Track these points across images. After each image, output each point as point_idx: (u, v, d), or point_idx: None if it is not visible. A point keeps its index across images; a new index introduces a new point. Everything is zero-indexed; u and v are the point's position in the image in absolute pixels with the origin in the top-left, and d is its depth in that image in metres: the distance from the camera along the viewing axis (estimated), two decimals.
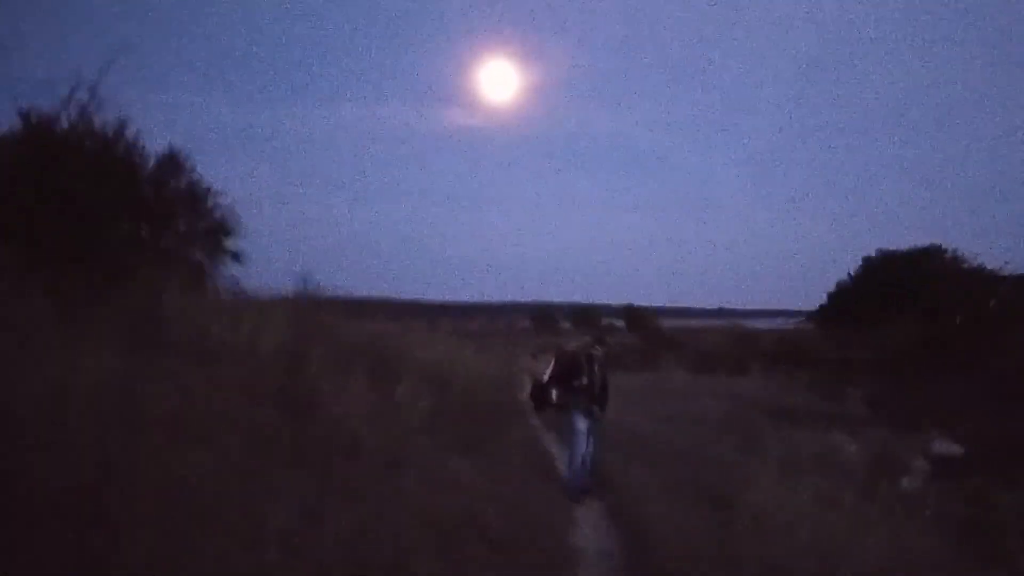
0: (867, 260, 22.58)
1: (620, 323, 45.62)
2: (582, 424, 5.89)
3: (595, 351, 6.17)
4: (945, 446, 10.09)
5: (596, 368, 6.05)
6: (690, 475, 5.73)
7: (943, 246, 20.17)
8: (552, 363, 6.66)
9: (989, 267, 17.73)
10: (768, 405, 12.05)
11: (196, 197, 14.37)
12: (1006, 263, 17.34)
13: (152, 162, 14.20)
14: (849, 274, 23.04)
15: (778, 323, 32.28)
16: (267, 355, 4.34)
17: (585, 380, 5.94)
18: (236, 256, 14.49)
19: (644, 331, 32.65)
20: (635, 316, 42.31)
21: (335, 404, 4.19)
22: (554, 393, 6.37)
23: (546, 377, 6.60)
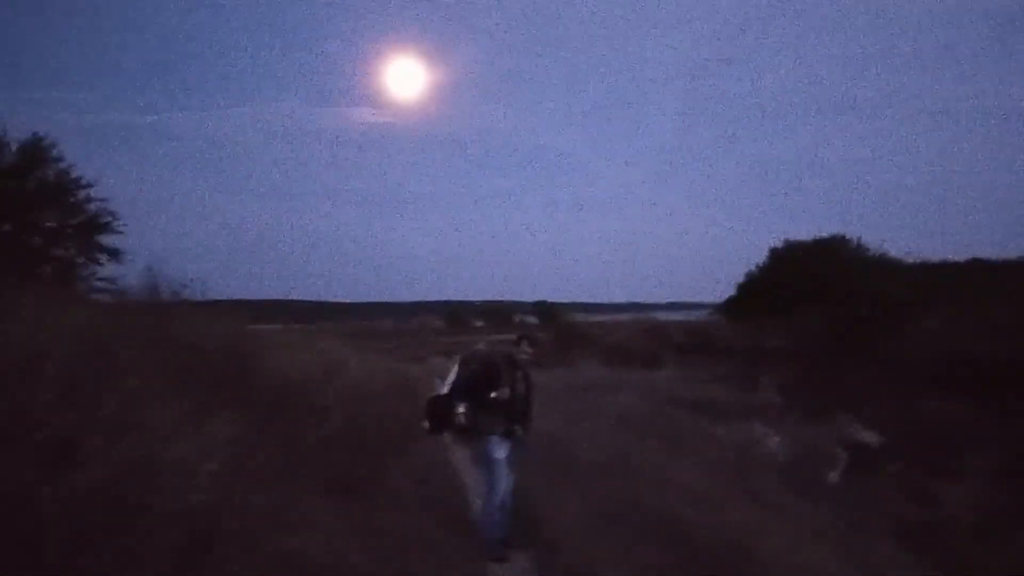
0: (774, 251, 23.00)
1: (532, 319, 45.42)
2: (502, 452, 4.48)
3: (519, 353, 4.79)
4: (861, 434, 9.94)
5: (520, 376, 4.71)
6: (628, 494, 4.84)
7: (847, 236, 20.71)
8: (455, 369, 4.91)
9: (892, 255, 18.25)
10: (685, 398, 11.66)
11: (64, 189, 12.59)
12: (908, 252, 17.90)
13: (13, 151, 12.31)
14: (757, 265, 23.43)
15: (688, 315, 32.73)
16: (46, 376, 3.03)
17: (507, 392, 4.56)
18: (113, 254, 12.78)
19: (557, 327, 32.31)
20: (548, 312, 42.10)
21: (115, 445, 2.79)
22: (461, 411, 4.61)
23: (446, 388, 4.80)
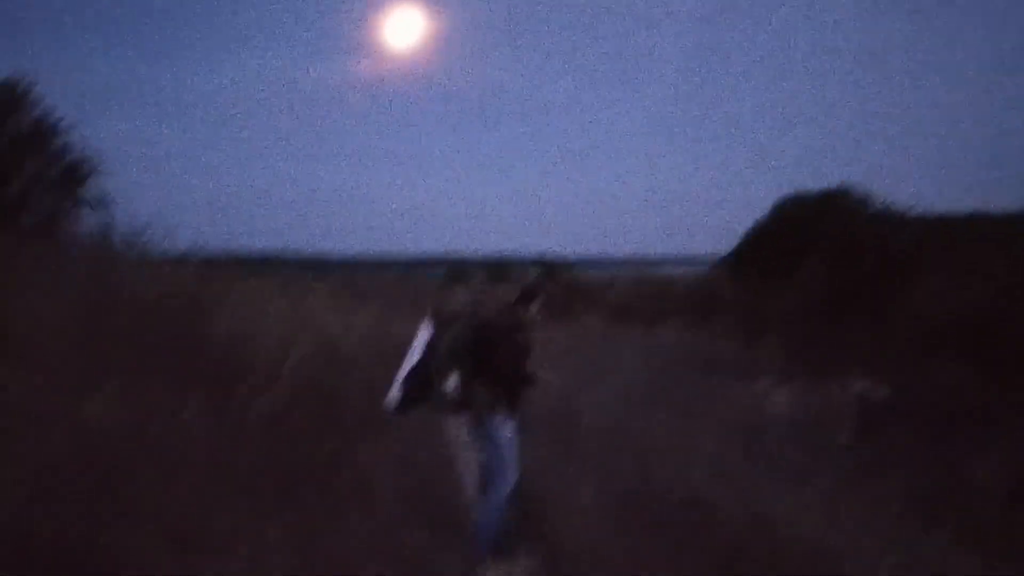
0: (778, 203, 22.63)
1: (533, 274, 44.91)
2: (511, 434, 3.79)
3: (530, 314, 3.99)
4: (870, 393, 9.83)
5: (523, 339, 3.92)
6: (641, 469, 4.47)
7: (851, 187, 20.32)
8: (427, 329, 3.91)
9: (897, 208, 17.95)
10: (690, 356, 11.53)
11: (43, 135, 12.17)
12: (913, 204, 17.60)
13: None
14: (760, 218, 23.11)
15: (690, 269, 32.50)
16: None
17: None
18: (97, 203, 12.41)
19: (559, 282, 32.12)
20: (549, 267, 41.68)
21: None
22: (452, 383, 3.74)
23: (414, 357, 3.83)
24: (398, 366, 3.83)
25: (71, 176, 12.40)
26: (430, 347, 3.88)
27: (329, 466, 4.33)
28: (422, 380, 3.85)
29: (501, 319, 4.00)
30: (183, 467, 3.54)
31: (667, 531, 3.46)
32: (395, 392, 3.84)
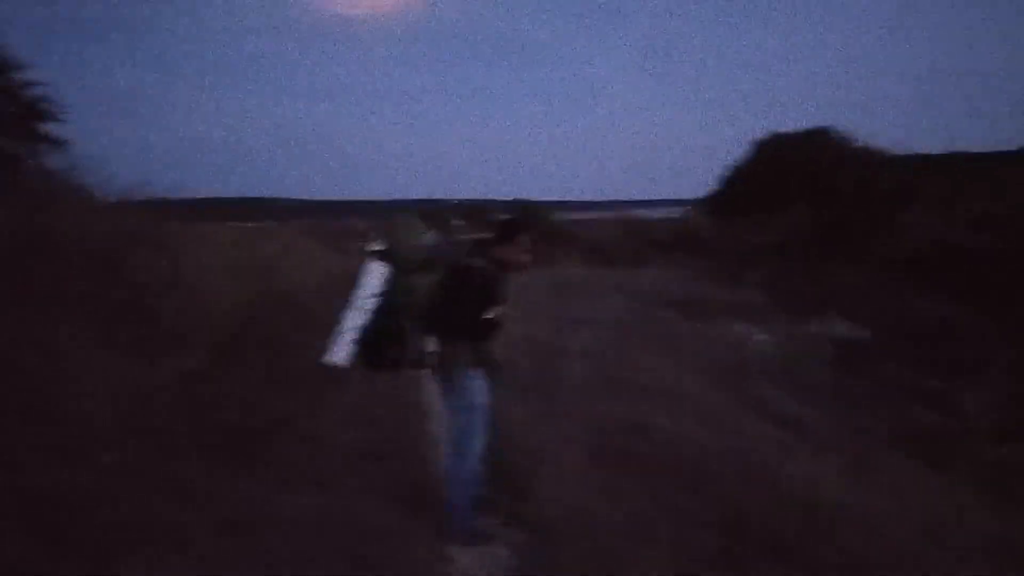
0: (757, 144, 22.37)
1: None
2: (485, 391, 3.29)
3: (514, 256, 3.39)
4: (851, 331, 9.87)
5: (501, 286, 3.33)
6: (630, 417, 4.17)
7: (831, 127, 20.11)
8: (377, 273, 3.19)
9: (878, 148, 17.83)
10: (672, 298, 11.45)
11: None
12: (893, 144, 17.49)
13: None
14: (740, 158, 22.85)
15: (668, 212, 32.32)
16: None
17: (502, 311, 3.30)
18: (56, 144, 11.76)
19: (538, 226, 31.84)
20: (528, 210, 41.23)
21: None
22: (432, 348, 3.22)
23: (367, 307, 3.13)
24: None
25: (29, 113, 11.70)
26: (393, 296, 3.19)
27: (270, 427, 3.81)
28: (385, 337, 3.15)
29: (478, 263, 3.36)
30: (78, 433, 3.00)
31: (662, 492, 3.12)
32: (343, 347, 3.12)
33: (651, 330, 7.80)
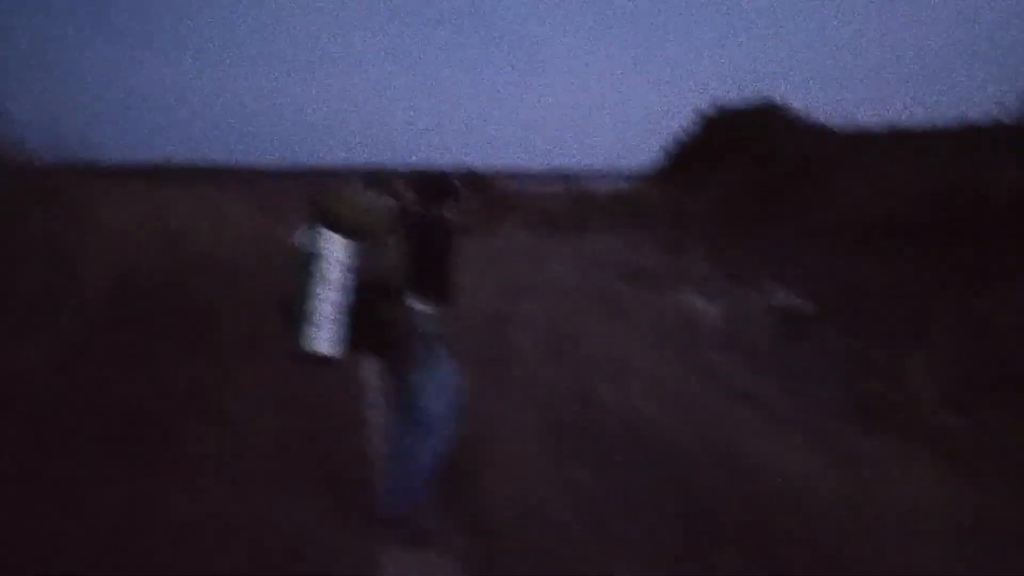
0: (702, 114, 22.47)
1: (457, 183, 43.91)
2: (455, 373, 3.06)
3: (452, 211, 3.20)
4: (793, 300, 9.91)
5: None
6: (583, 392, 3.90)
7: (774, 99, 20.32)
8: (348, 248, 2.72)
9: (819, 120, 18.11)
10: (617, 266, 11.29)
11: None
12: (839, 119, 17.81)
13: None
14: (684, 129, 22.95)
15: (615, 183, 32.40)
16: None
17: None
18: None
19: (482, 193, 31.42)
20: (473, 179, 40.80)
21: None
22: (424, 308, 2.91)
23: (338, 284, 2.67)
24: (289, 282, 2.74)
25: None
26: (365, 269, 2.76)
27: (179, 410, 3.32)
28: (367, 314, 2.73)
29: (436, 219, 3.08)
30: None
31: (618, 479, 2.88)
32: (327, 331, 2.65)
33: (597, 298, 7.59)
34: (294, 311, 2.60)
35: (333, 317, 2.63)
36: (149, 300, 3.87)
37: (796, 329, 7.69)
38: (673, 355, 5.22)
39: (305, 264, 2.65)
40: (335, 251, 2.68)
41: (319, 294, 2.62)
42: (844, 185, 14.54)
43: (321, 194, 2.92)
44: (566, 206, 24.02)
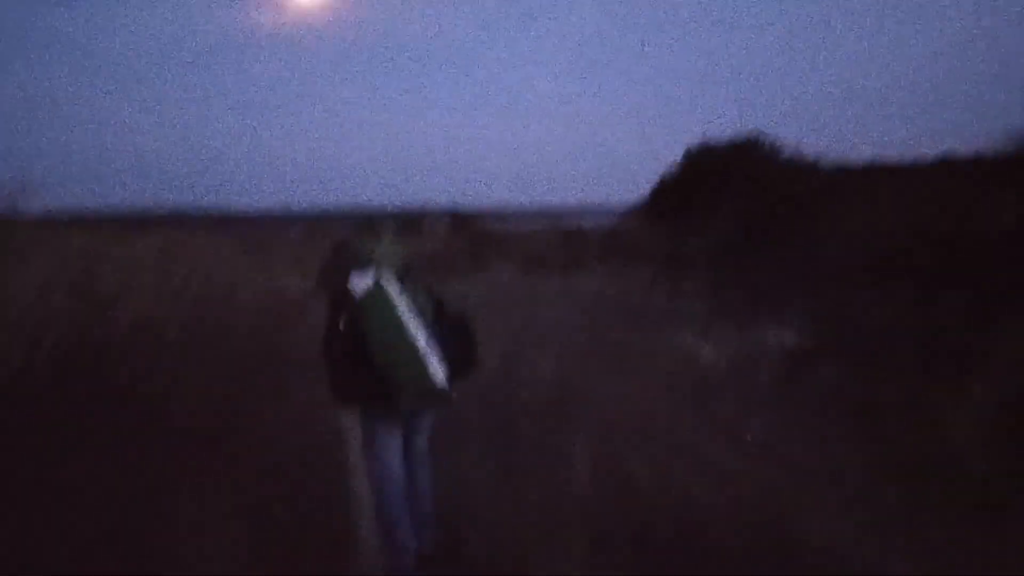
0: (689, 152, 22.59)
1: (444, 222, 44.08)
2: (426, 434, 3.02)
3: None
4: (790, 339, 9.72)
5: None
6: (596, 455, 3.63)
7: (761, 136, 20.46)
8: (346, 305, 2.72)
9: (807, 157, 18.21)
10: (611, 307, 11.10)
11: None
12: (824, 153, 17.93)
13: None
14: (672, 165, 23.05)
15: (601, 220, 32.45)
16: None
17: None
18: None
19: (470, 232, 31.36)
20: (460, 218, 40.85)
21: None
22: (435, 367, 2.75)
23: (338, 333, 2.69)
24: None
25: None
26: (365, 325, 2.67)
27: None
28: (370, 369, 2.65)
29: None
30: None
31: (644, 546, 2.63)
32: (437, 367, 2.67)
33: (598, 343, 7.36)
34: (396, 356, 2.59)
35: (433, 352, 2.69)
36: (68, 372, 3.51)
37: (800, 369, 7.47)
38: (688, 406, 4.97)
39: (381, 310, 2.64)
40: (395, 292, 2.73)
41: (413, 335, 2.64)
42: (835, 219, 14.52)
43: (358, 238, 2.84)
44: (557, 244, 23.94)
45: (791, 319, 10.44)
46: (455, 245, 29.52)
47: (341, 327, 2.64)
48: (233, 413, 3.83)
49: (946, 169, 16.13)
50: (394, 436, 2.80)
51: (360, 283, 2.68)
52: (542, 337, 7.49)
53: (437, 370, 2.64)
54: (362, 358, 2.60)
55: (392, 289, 2.70)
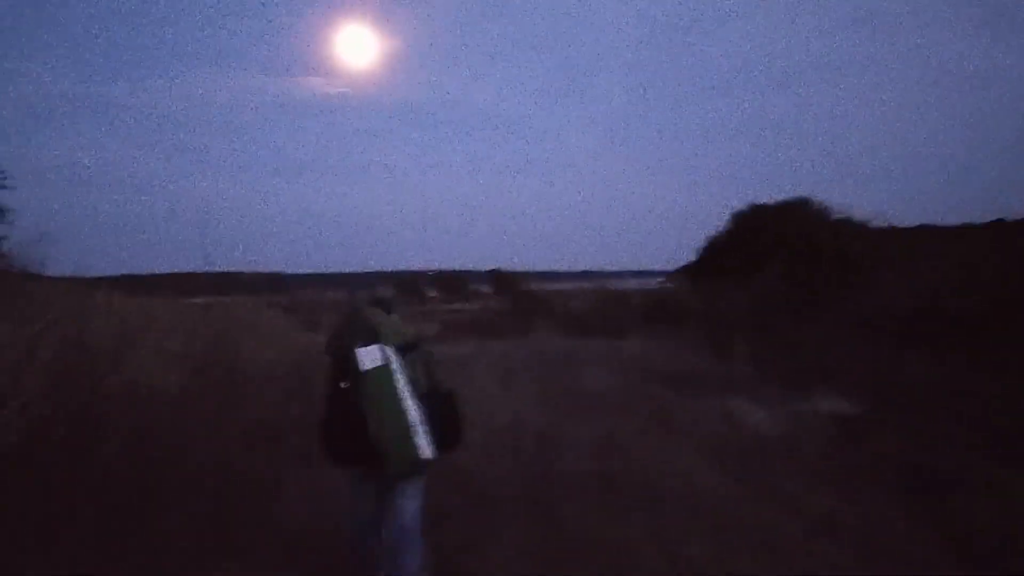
0: (736, 214, 22.49)
1: (487, 288, 44.57)
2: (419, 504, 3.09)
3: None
4: (842, 403, 9.45)
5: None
6: (645, 534, 3.55)
7: (809, 198, 20.29)
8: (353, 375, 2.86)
9: (857, 218, 17.96)
10: (658, 371, 10.96)
11: None
12: (874, 216, 17.66)
13: None
14: (718, 228, 22.92)
15: (644, 283, 32.38)
16: None
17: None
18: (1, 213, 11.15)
19: (514, 294, 31.63)
20: (502, 280, 41.29)
21: None
22: (423, 439, 2.87)
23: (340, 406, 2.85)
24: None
25: None
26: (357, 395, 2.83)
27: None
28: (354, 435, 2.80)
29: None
30: None
31: None
32: (425, 438, 2.84)
33: (645, 409, 7.27)
34: (388, 429, 2.76)
35: (424, 423, 2.86)
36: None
37: (855, 437, 7.24)
38: (742, 477, 4.85)
39: (382, 387, 2.81)
40: (398, 365, 2.89)
41: (409, 406, 2.82)
42: (885, 280, 14.23)
43: (363, 310, 2.97)
44: (599, 307, 23.86)
45: (842, 383, 10.16)
46: (499, 307, 29.77)
47: (342, 394, 2.82)
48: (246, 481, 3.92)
49: (997, 232, 15.73)
50: (368, 485, 3.00)
51: (367, 357, 2.83)
52: (584, 403, 7.44)
53: (423, 442, 2.80)
54: (355, 425, 2.76)
55: (395, 366, 2.85)
